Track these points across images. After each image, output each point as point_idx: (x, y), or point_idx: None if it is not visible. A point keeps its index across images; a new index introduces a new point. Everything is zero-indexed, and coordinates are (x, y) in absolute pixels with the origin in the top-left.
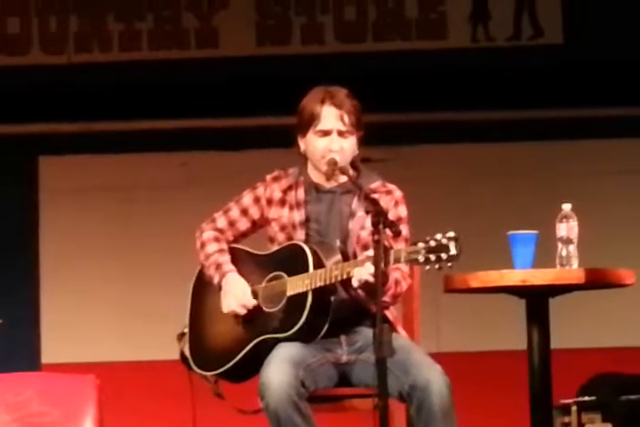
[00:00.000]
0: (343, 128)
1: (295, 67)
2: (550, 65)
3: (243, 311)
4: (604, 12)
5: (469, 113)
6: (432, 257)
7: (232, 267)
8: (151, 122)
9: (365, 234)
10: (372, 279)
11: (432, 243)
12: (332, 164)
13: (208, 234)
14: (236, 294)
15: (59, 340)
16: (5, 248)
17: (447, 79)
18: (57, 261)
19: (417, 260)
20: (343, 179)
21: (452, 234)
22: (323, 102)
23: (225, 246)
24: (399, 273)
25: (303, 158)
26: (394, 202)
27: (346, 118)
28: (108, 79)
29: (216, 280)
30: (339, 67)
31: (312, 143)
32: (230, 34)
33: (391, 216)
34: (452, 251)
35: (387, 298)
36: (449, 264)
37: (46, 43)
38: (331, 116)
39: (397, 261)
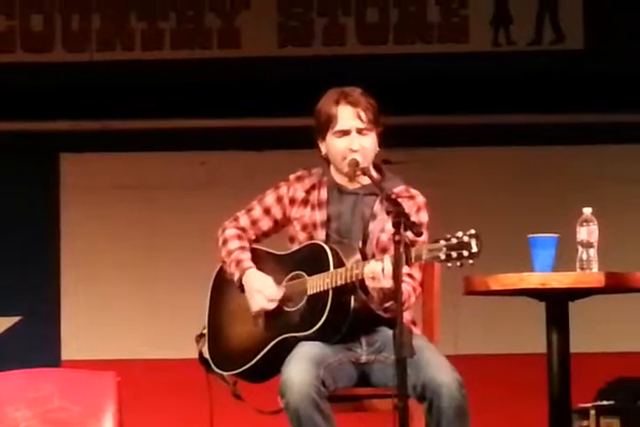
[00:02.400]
0: (361, 125)
1: (316, 68)
2: (570, 70)
3: (272, 306)
4: (626, 20)
5: (490, 116)
6: (453, 254)
7: (251, 264)
8: (172, 121)
9: (385, 237)
10: (381, 275)
11: (453, 240)
12: (354, 164)
13: (230, 231)
14: (261, 289)
15: (79, 337)
16: (27, 245)
17: (468, 82)
18: (78, 259)
19: (438, 257)
20: (366, 181)
21: (472, 231)
22: (338, 103)
23: (247, 244)
24: (410, 286)
25: (325, 162)
26: (416, 207)
27: (363, 115)
28: (129, 78)
29: (236, 277)
30: (360, 68)
31: (332, 145)
32: (252, 34)
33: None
34: (474, 248)
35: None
36: (470, 261)
37: (69, 41)
38: (347, 116)
39: (419, 258)
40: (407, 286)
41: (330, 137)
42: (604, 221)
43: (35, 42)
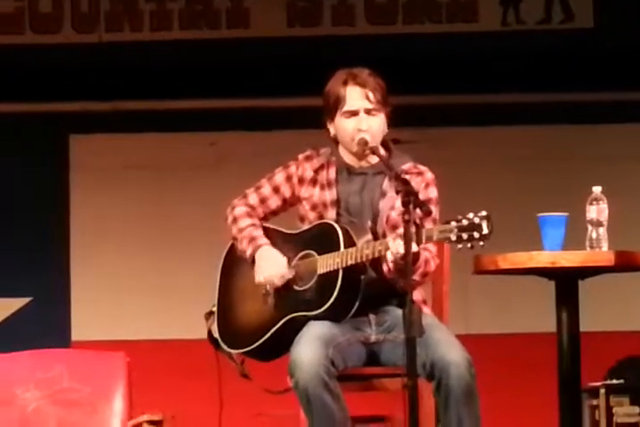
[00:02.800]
0: (370, 106)
1: (325, 48)
2: (580, 49)
3: (281, 283)
4: None
5: (499, 95)
6: (464, 236)
7: (266, 240)
8: (181, 101)
9: (395, 214)
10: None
11: (464, 222)
12: (363, 144)
13: (240, 209)
14: (274, 266)
15: (89, 317)
16: (37, 227)
17: (477, 62)
18: (87, 240)
19: (449, 238)
20: (375, 160)
21: (484, 213)
22: (346, 83)
23: (257, 222)
24: (428, 252)
25: (334, 143)
26: (425, 184)
27: (371, 96)
28: (138, 58)
29: (249, 253)
30: (369, 48)
31: (341, 126)
32: (261, 14)
33: (421, 197)
34: (485, 230)
35: (416, 276)
36: (481, 243)
37: (77, 22)
38: (356, 96)
39: (430, 239)
40: (425, 253)
41: (338, 118)
42: (614, 200)
43: (43, 23)
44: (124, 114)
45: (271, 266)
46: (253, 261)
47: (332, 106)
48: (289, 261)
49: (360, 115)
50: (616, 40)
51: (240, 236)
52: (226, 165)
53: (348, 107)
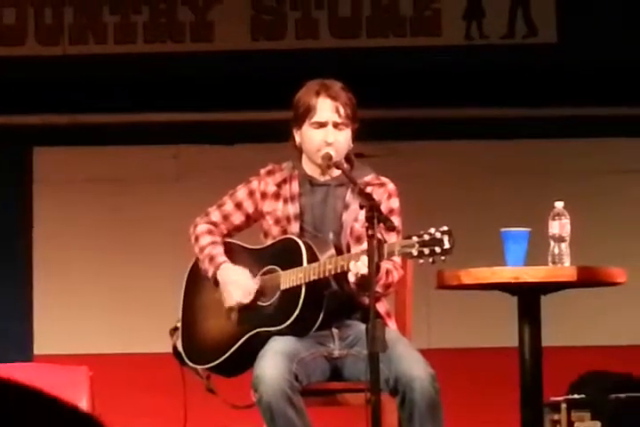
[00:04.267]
0: (339, 120)
1: (289, 62)
2: (544, 64)
3: (249, 299)
4: (598, 12)
5: (463, 110)
6: (426, 251)
7: (225, 258)
8: (145, 114)
9: (359, 226)
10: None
11: (426, 237)
12: (327, 158)
13: (202, 227)
14: (237, 282)
15: (51, 331)
16: None
17: (441, 76)
18: (50, 253)
19: (411, 253)
20: (337, 172)
21: (445, 228)
22: (318, 94)
23: (218, 239)
24: (391, 263)
25: (298, 151)
26: (387, 195)
27: (341, 110)
28: (102, 71)
29: (210, 273)
30: (333, 62)
31: (307, 135)
32: (225, 28)
33: (383, 208)
34: (446, 245)
35: (378, 288)
36: (442, 258)
37: (41, 34)
38: (326, 108)
39: (391, 254)
40: (387, 265)
41: (306, 127)
42: (577, 216)
43: (7, 35)
44: (87, 126)
45: (236, 288)
46: (216, 281)
47: (302, 114)
48: (253, 277)
49: (328, 127)
50: (579, 55)
51: (202, 256)
52: (188, 178)
53: (317, 118)
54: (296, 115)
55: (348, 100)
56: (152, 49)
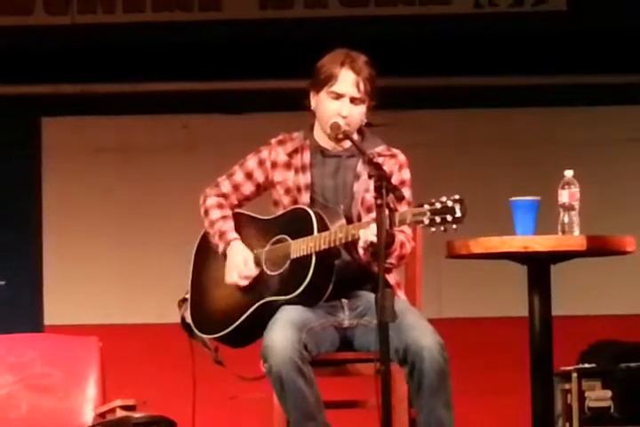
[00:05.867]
0: (357, 95)
1: (298, 31)
2: (553, 31)
3: (244, 283)
4: None
5: (471, 78)
6: (437, 219)
7: (236, 235)
8: (154, 84)
9: (370, 196)
10: (376, 240)
11: (437, 205)
12: (336, 128)
13: (211, 200)
14: (238, 265)
15: (61, 302)
16: (9, 210)
17: (449, 45)
18: (60, 223)
19: (422, 221)
20: (348, 143)
21: (457, 196)
22: (342, 65)
23: (229, 212)
24: (403, 235)
25: (312, 115)
26: (398, 166)
27: (361, 85)
28: (111, 41)
29: (221, 249)
30: (341, 31)
31: (323, 103)
32: None
33: (395, 179)
34: (458, 213)
35: (392, 260)
36: (454, 226)
37: (50, 3)
38: (347, 81)
39: (403, 222)
40: (400, 236)
41: (323, 94)
42: (586, 185)
43: (16, 5)
44: (96, 96)
45: (235, 267)
46: (225, 255)
47: (322, 80)
48: (263, 246)
49: (345, 100)
50: (589, 23)
51: (212, 230)
52: (198, 147)
53: (336, 88)
54: (317, 80)
55: (370, 76)
56: (160, 18)
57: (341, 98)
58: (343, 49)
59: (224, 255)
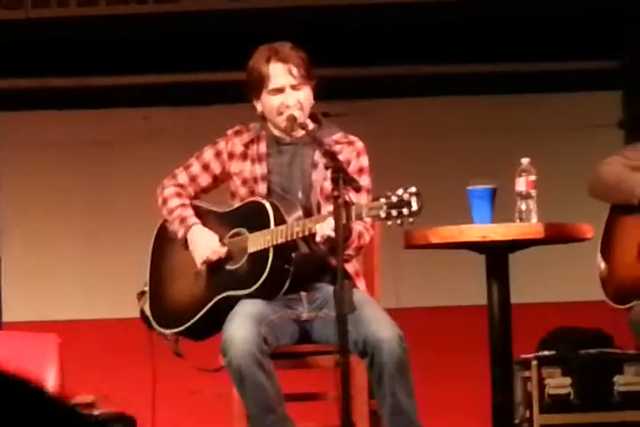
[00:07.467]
0: (294, 82)
1: (254, 21)
2: (509, 18)
3: (215, 257)
4: None
5: (427, 67)
6: (394, 212)
7: (196, 220)
8: (111, 77)
9: (328, 185)
10: (334, 234)
11: (393, 198)
12: (292, 119)
13: (169, 190)
14: (207, 243)
15: (19, 298)
16: None
17: (405, 32)
18: (17, 219)
19: (378, 215)
20: (304, 132)
21: (413, 189)
22: (268, 61)
23: (187, 201)
24: (361, 225)
25: (262, 119)
26: (356, 153)
27: (295, 71)
28: (66, 35)
29: (181, 234)
30: (298, 20)
31: (268, 103)
32: None
33: (353, 167)
34: (414, 206)
35: (350, 251)
36: (410, 220)
37: None
38: (279, 73)
39: (359, 216)
40: (358, 227)
41: (264, 95)
42: (543, 172)
43: None
44: (52, 90)
45: (203, 248)
46: (186, 242)
47: (257, 84)
48: (221, 239)
49: (286, 91)
50: (545, 9)
51: (170, 217)
52: (158, 139)
53: (273, 84)
54: (252, 85)
55: (300, 60)
56: (116, 11)
57: (282, 91)
58: (265, 45)
59: (184, 241)
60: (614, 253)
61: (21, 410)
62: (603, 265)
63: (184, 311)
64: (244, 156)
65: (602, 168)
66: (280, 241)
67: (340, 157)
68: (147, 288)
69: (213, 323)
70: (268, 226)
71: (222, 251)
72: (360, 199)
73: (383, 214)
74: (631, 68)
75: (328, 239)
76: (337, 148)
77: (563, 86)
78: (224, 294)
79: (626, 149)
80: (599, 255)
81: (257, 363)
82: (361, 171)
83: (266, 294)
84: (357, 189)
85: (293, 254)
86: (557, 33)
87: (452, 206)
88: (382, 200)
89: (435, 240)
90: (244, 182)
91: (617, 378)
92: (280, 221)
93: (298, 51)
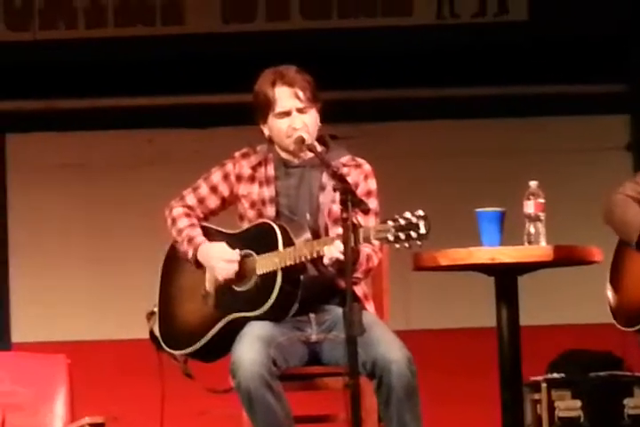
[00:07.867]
0: (300, 105)
1: (260, 44)
2: (515, 42)
3: (234, 267)
4: None
5: (434, 90)
6: (401, 236)
7: (204, 238)
8: (118, 99)
9: (337, 207)
10: (342, 257)
11: (401, 221)
12: (300, 142)
13: (178, 210)
14: (219, 254)
15: (29, 319)
16: None
17: (412, 56)
18: (26, 240)
19: (386, 238)
20: (311, 154)
21: (421, 213)
22: (274, 84)
23: (196, 221)
24: (370, 248)
25: (269, 142)
26: (363, 175)
27: (301, 94)
28: (73, 56)
29: (190, 254)
30: (304, 43)
31: (275, 126)
32: (196, 10)
33: (361, 189)
34: (422, 230)
35: (359, 274)
36: (418, 243)
37: (11, 19)
38: (285, 97)
39: (367, 239)
40: (367, 249)
41: (271, 119)
42: (552, 195)
43: None
44: (59, 112)
45: (217, 259)
46: (197, 262)
47: (264, 108)
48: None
49: (292, 114)
50: (550, 32)
51: (180, 238)
52: (164, 162)
53: (279, 108)
54: (258, 109)
55: (306, 83)
56: (123, 33)
57: (289, 115)
58: (270, 68)
59: (194, 262)
60: (623, 282)
61: None
62: (611, 295)
63: (193, 333)
64: (252, 178)
65: (614, 198)
66: (288, 263)
67: (348, 180)
68: (156, 309)
69: (222, 345)
70: (276, 248)
71: (235, 257)
72: (368, 222)
73: (391, 237)
74: (639, 91)
75: (336, 262)
76: (344, 170)
77: (571, 110)
78: (233, 316)
79: (638, 175)
80: (608, 285)
81: (266, 385)
82: (369, 194)
83: (274, 316)
84: (366, 212)
85: (302, 277)
86: (564, 56)
87: (460, 229)
88: (390, 223)
89: (444, 262)
90: (253, 205)
91: (627, 401)
92: (288, 242)
93: (303, 74)
